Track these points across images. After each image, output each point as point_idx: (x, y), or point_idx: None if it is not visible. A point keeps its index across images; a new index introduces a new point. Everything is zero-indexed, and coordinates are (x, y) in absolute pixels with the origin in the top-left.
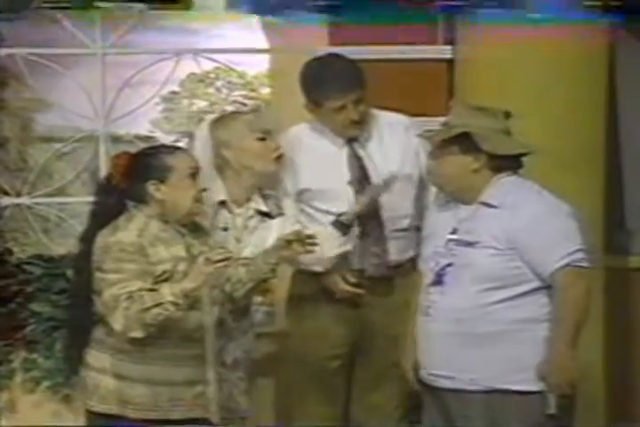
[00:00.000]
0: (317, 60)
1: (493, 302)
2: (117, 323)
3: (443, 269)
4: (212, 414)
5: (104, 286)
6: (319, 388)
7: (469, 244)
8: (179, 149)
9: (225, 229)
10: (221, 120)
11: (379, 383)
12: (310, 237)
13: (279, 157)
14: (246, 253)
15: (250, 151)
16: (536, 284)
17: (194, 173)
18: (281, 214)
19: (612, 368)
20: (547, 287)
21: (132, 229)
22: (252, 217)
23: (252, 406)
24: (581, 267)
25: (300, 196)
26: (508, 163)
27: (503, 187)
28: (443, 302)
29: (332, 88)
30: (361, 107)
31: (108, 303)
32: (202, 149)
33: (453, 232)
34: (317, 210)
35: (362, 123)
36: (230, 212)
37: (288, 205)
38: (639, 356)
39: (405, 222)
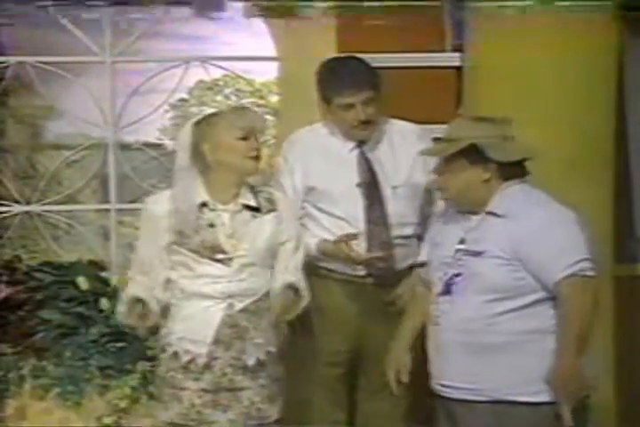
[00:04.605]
0: (336, 58)
1: (500, 312)
2: None
3: (451, 278)
4: None
5: None
6: (323, 393)
7: (476, 253)
8: None
9: (211, 226)
10: (204, 118)
11: (383, 391)
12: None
13: (257, 157)
14: (243, 247)
15: (226, 147)
16: (542, 294)
17: None
18: (273, 211)
19: (623, 377)
20: (553, 298)
21: None
22: (239, 211)
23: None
24: (587, 276)
25: (307, 195)
26: (516, 170)
27: (509, 196)
28: (451, 312)
29: (342, 85)
30: (370, 109)
31: None
32: (182, 150)
33: (461, 242)
34: (321, 211)
35: (370, 125)
36: (214, 210)
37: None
38: None
39: (409, 230)
